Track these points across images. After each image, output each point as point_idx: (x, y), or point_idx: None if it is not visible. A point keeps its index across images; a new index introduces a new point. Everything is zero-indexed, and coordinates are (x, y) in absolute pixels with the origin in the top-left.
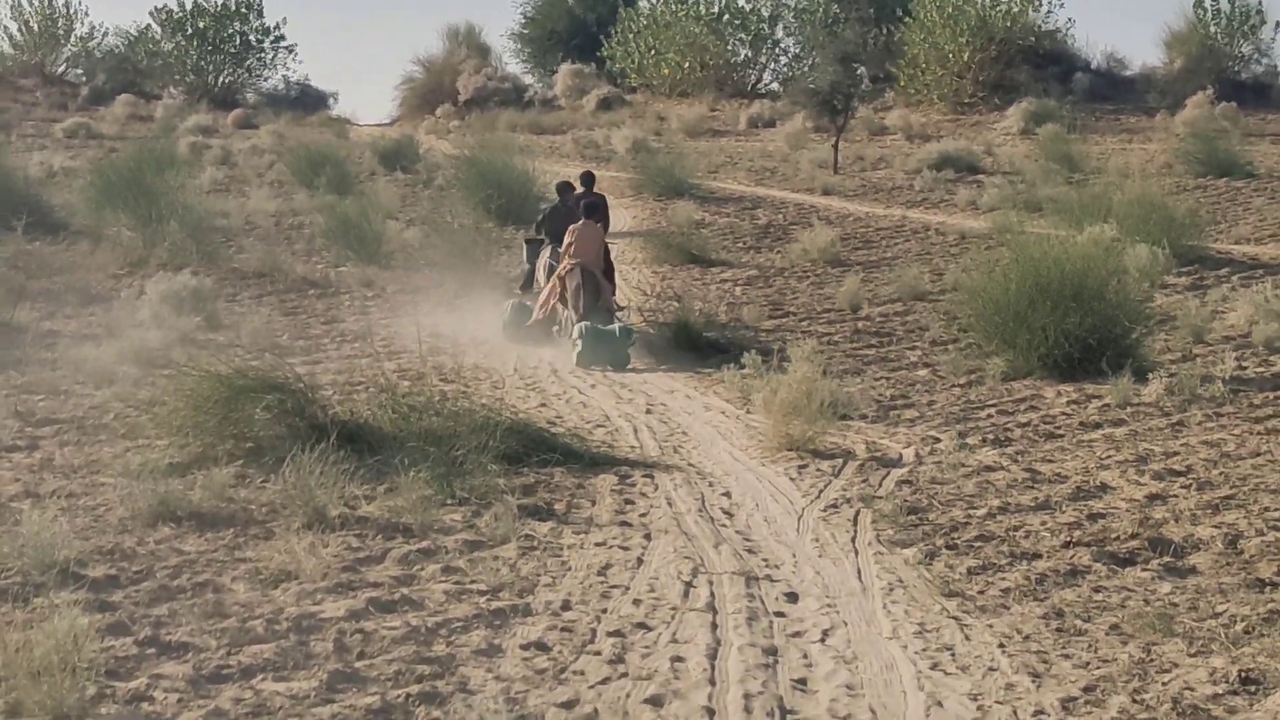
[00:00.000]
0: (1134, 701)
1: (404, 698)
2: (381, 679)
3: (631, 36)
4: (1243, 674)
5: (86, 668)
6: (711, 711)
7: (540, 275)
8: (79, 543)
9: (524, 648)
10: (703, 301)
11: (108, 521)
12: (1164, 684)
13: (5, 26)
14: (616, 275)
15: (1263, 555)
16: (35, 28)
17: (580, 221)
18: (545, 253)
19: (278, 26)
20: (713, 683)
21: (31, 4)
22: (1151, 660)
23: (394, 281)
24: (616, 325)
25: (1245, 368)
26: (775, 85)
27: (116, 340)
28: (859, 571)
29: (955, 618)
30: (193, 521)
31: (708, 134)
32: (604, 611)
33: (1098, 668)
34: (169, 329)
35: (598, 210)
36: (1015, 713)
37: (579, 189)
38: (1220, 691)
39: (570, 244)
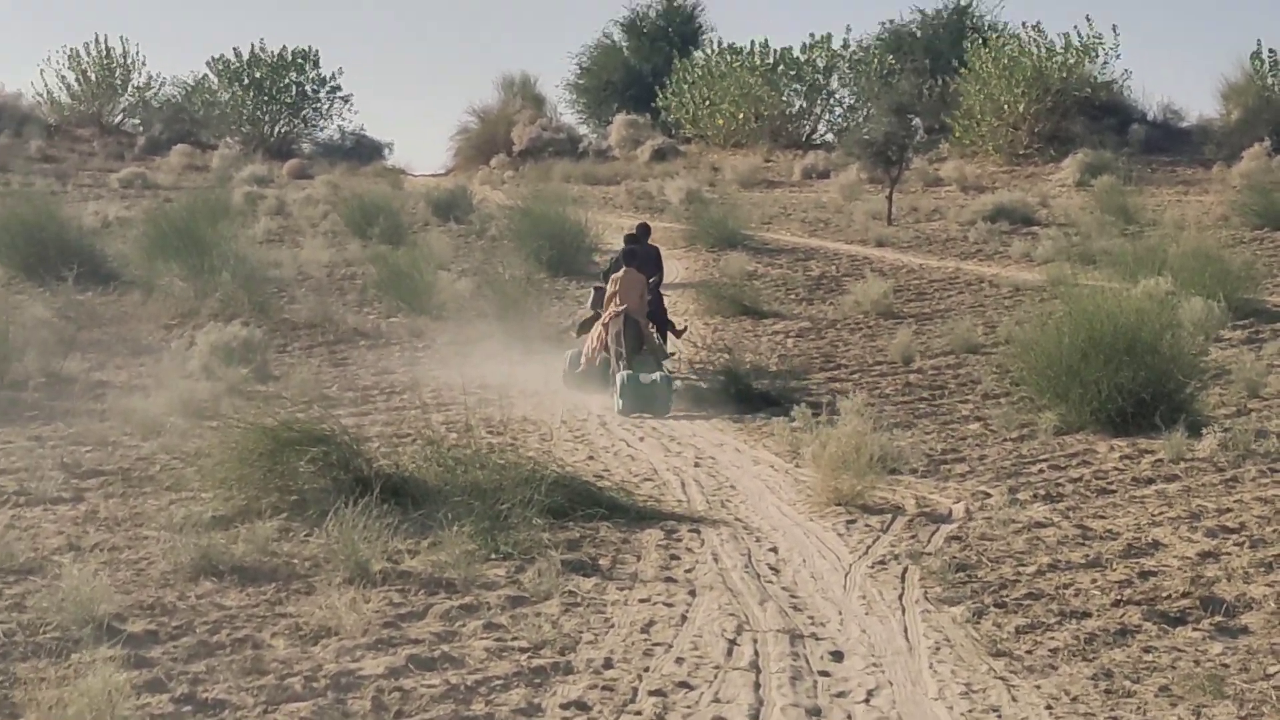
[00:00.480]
0: None
1: None
2: None
3: (686, 87)
4: None
5: None
6: None
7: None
8: (119, 597)
9: (564, 707)
10: (754, 353)
11: (149, 575)
12: None
13: (63, 76)
14: (671, 323)
15: None
16: (93, 78)
17: (622, 270)
18: (599, 305)
19: (334, 76)
20: None
21: (89, 54)
22: None
23: (445, 332)
24: (658, 375)
25: None
26: (830, 136)
27: (165, 391)
28: (906, 630)
29: (1002, 678)
30: (234, 576)
31: (762, 185)
32: (646, 670)
33: None
34: (218, 380)
35: (637, 258)
36: None
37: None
38: None
39: (614, 293)
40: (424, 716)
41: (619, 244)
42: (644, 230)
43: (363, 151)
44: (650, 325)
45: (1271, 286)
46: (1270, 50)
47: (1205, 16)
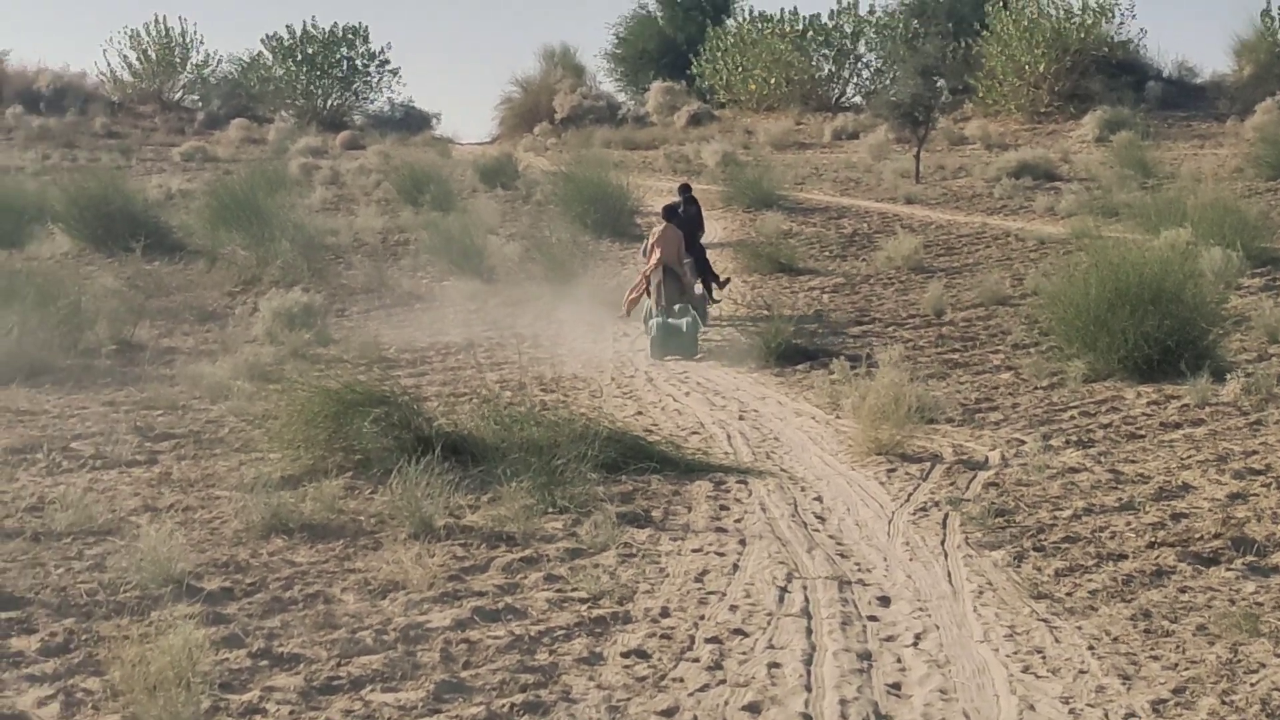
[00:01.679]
0: (1223, 703)
1: (508, 707)
2: (486, 688)
3: (719, 55)
4: None
5: (201, 681)
6: (808, 718)
7: (648, 285)
8: (195, 556)
9: (624, 655)
10: (791, 309)
11: (222, 534)
12: (1252, 685)
13: (125, 56)
14: (715, 274)
15: None
16: (153, 56)
17: (662, 225)
18: (647, 265)
19: (383, 51)
20: (809, 689)
21: (149, 34)
22: (1239, 660)
23: (495, 294)
24: (685, 321)
25: None
26: (858, 99)
27: (231, 356)
28: (949, 574)
29: (1044, 620)
30: (304, 533)
31: (794, 147)
32: (701, 618)
33: (1186, 669)
34: (281, 344)
35: (677, 214)
36: (1106, 715)
37: (678, 199)
38: None
39: (653, 245)
40: (491, 667)
41: (659, 205)
42: (685, 189)
43: (411, 122)
44: (692, 275)
45: None
46: None
47: None
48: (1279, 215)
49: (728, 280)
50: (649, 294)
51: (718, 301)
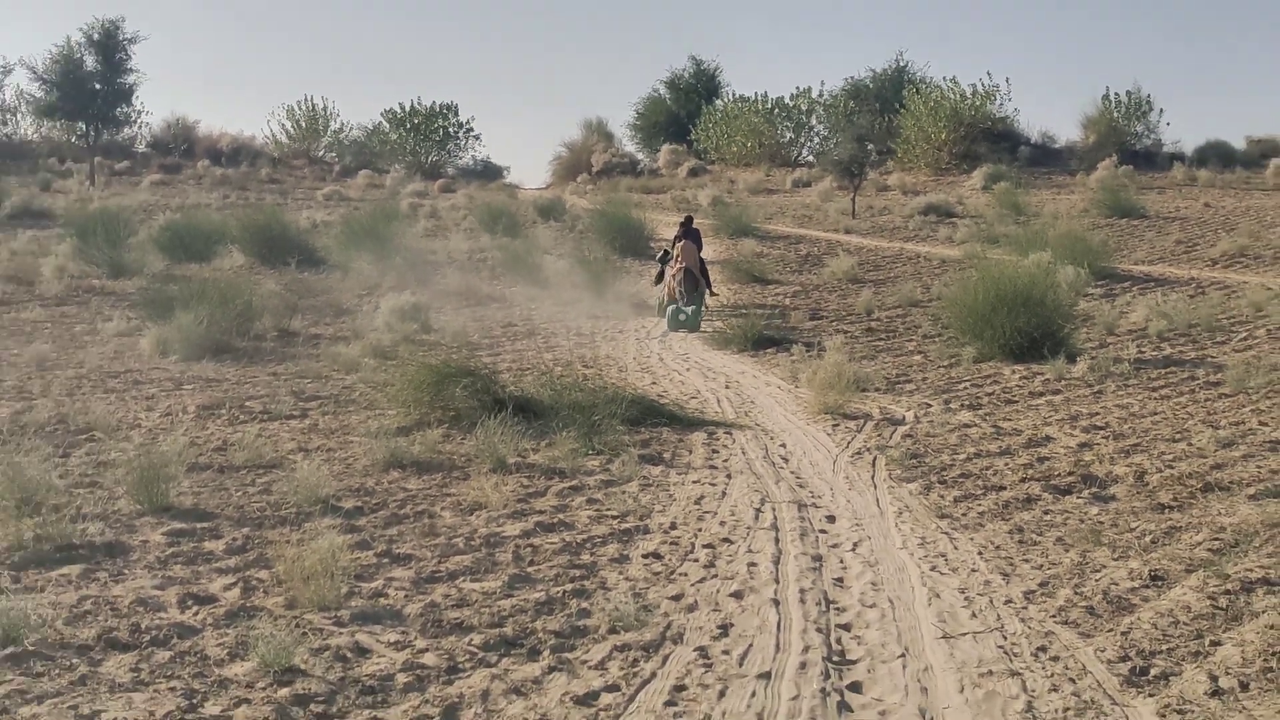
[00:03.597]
0: (1075, 593)
1: (561, 593)
2: (545, 579)
3: (711, 125)
4: (1152, 573)
5: (341, 573)
6: (777, 602)
7: (669, 281)
8: (335, 483)
9: (644, 556)
10: (763, 308)
11: (355, 468)
12: (1096, 580)
13: (283, 124)
14: (710, 283)
15: (1163, 486)
16: (303, 125)
17: (682, 241)
18: (667, 270)
19: (469, 121)
20: (777, 581)
21: (300, 109)
22: (1087, 563)
23: (549, 297)
24: (692, 308)
25: (1143, 352)
26: (810, 158)
27: (360, 340)
28: (877, 500)
29: (946, 533)
30: (413, 468)
31: (764, 192)
32: (700, 530)
33: (1048, 569)
34: (395, 332)
35: (693, 235)
36: (991, 601)
37: (679, 231)
38: (1136, 585)
39: (677, 254)
40: (548, 564)
41: (669, 234)
42: (689, 219)
43: (488, 172)
44: (705, 278)
45: (1119, 257)
46: (1115, 93)
47: (1071, 68)
48: (1114, 243)
49: (715, 295)
50: (670, 287)
51: (715, 296)
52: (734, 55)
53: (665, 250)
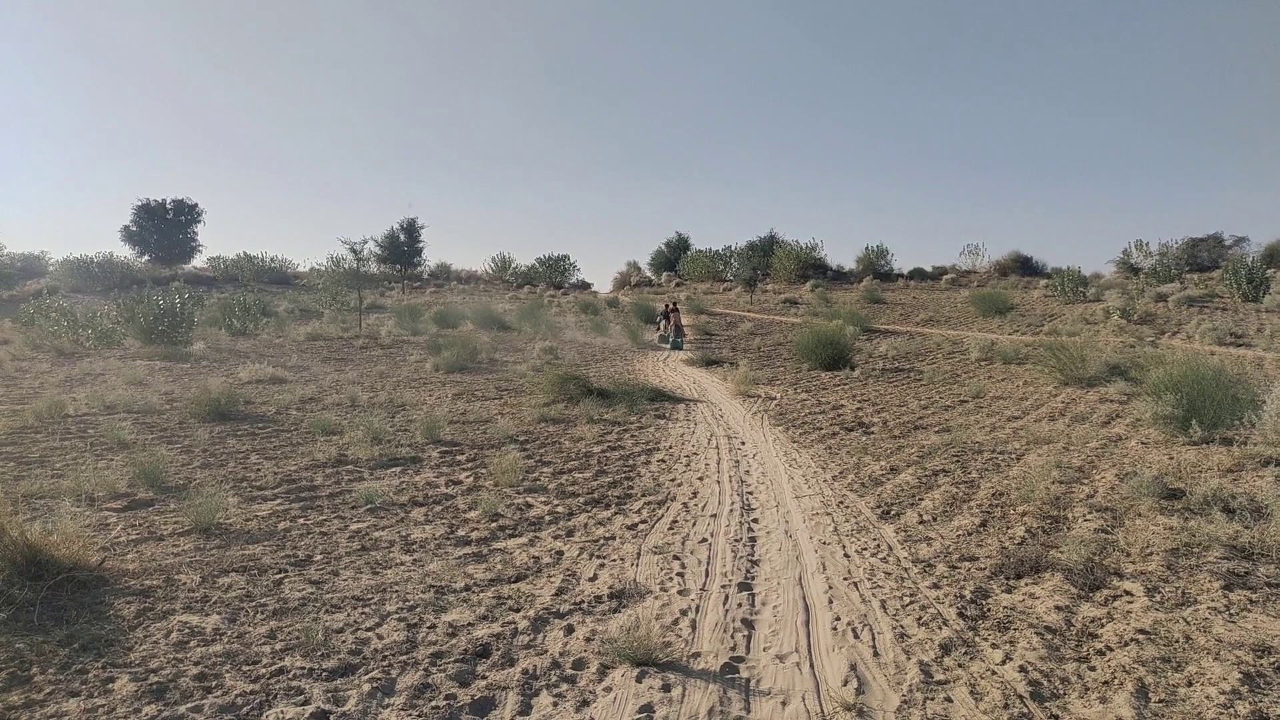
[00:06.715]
0: (855, 477)
1: (621, 477)
2: (613, 470)
3: (686, 263)
4: (891, 467)
5: (519, 470)
6: (719, 482)
7: (660, 329)
8: (514, 428)
9: (659, 462)
10: (712, 349)
11: (524, 421)
12: (865, 471)
13: (490, 264)
14: (686, 328)
15: (895, 429)
16: (497, 264)
17: (673, 312)
18: (661, 323)
19: (574, 262)
20: (719, 470)
21: (498, 258)
22: (863, 465)
23: (609, 343)
24: (679, 340)
25: (885, 365)
26: (731, 277)
27: (524, 363)
28: (765, 435)
29: (796, 449)
30: (551, 422)
31: (710, 293)
32: (684, 449)
33: (842, 466)
34: (541, 359)
35: (676, 311)
36: (817, 480)
37: (669, 306)
38: (883, 473)
39: (671, 317)
40: (614, 465)
41: (663, 310)
42: (673, 302)
43: (582, 285)
44: (683, 330)
45: (878, 322)
46: (869, 245)
47: (852, 232)
48: (872, 315)
49: (688, 339)
50: (667, 331)
51: (686, 339)
52: (698, 229)
53: (659, 319)
